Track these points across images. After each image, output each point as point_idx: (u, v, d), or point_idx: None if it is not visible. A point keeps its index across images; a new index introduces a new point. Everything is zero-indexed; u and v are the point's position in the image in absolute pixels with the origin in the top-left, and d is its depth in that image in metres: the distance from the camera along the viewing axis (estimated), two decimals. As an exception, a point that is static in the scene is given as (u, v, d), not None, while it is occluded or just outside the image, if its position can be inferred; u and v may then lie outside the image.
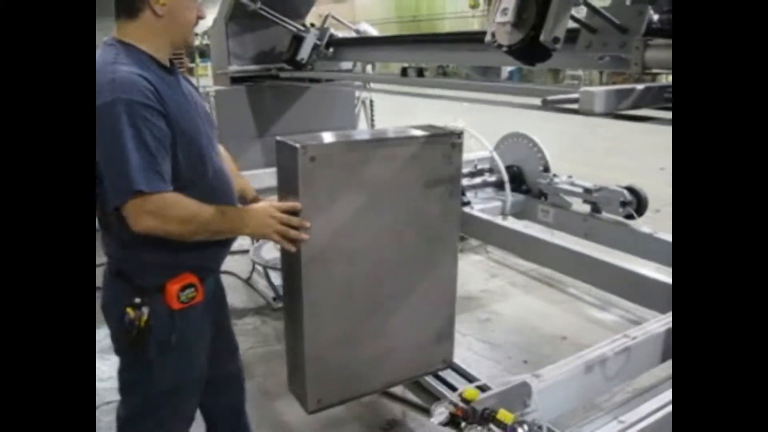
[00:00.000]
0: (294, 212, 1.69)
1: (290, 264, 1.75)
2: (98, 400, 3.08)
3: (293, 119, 4.05)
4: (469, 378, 3.02)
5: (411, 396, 3.00)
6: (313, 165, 1.61)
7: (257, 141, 3.97)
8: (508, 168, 3.35)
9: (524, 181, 3.52)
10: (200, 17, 1.77)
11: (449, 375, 3.02)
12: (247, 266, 4.52)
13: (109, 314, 1.82)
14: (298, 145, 1.59)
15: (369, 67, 4.15)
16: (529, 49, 1.58)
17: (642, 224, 3.10)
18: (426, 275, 1.92)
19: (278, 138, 1.69)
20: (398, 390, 3.00)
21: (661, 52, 1.38)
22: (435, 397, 2.95)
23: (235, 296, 4.31)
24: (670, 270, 2.28)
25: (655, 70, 1.40)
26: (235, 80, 3.80)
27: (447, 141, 1.82)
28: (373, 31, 3.93)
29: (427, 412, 2.87)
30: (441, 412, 1.34)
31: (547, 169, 3.49)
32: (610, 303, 4.04)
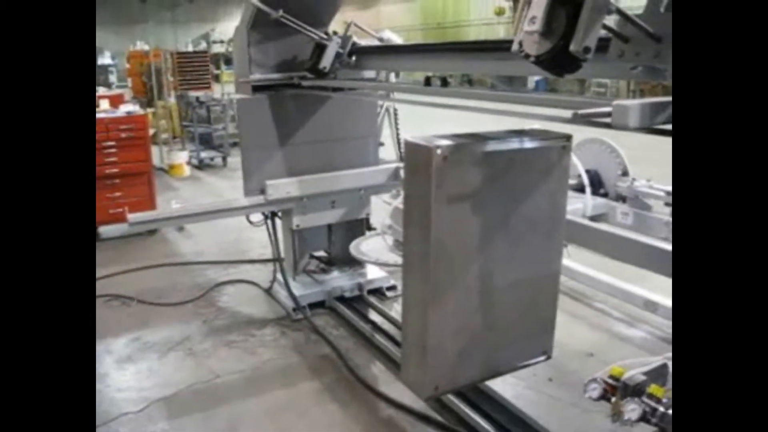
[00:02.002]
0: None
1: (416, 257, 1.87)
2: (116, 411, 3.06)
3: (315, 128, 4.00)
4: (492, 398, 2.95)
5: (433, 414, 2.94)
6: (445, 164, 1.73)
7: (279, 150, 3.93)
8: (587, 172, 3.35)
9: (602, 185, 3.57)
10: None
11: (471, 393, 2.96)
12: (268, 275, 4.49)
13: None
14: (432, 145, 1.71)
15: (392, 76, 4.11)
16: (558, 60, 1.50)
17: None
18: (533, 269, 2.07)
19: (408, 138, 1.82)
20: (421, 407, 2.94)
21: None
22: (458, 416, 2.89)
23: (255, 306, 4.28)
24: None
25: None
26: (257, 89, 3.76)
27: (558, 144, 1.96)
28: (397, 39, 3.87)
29: (448, 430, 2.81)
30: (594, 388, 1.46)
31: (626, 173, 3.51)
32: (637, 319, 3.93)
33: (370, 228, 4.38)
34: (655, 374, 1.46)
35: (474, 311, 2.00)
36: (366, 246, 3.19)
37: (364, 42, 3.55)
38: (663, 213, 3.13)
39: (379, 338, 3.62)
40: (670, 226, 2.97)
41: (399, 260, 2.60)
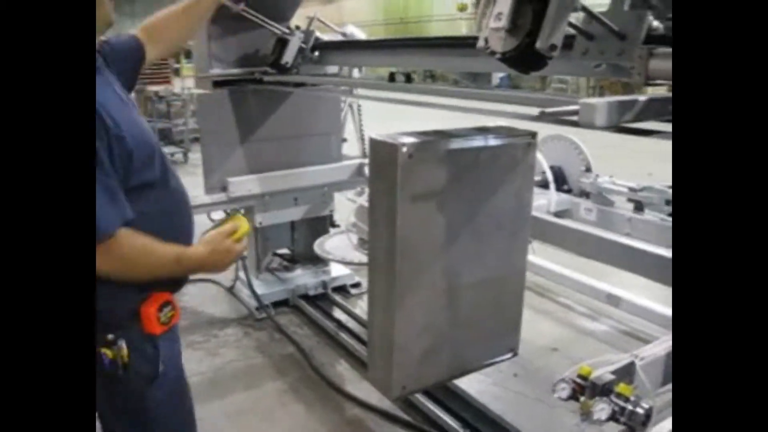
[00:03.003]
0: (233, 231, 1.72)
1: (382, 256, 1.84)
2: None
3: (278, 124, 3.93)
4: (459, 395, 2.95)
5: (399, 413, 2.92)
6: (410, 162, 1.69)
7: (241, 146, 3.85)
8: (551, 168, 3.36)
9: (566, 181, 3.59)
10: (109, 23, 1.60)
11: (437, 390, 2.95)
12: (230, 274, 4.41)
13: None
14: (397, 143, 1.67)
15: (356, 71, 4.06)
16: (524, 57, 1.48)
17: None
18: (499, 267, 2.05)
19: (372, 136, 1.77)
20: (388, 406, 2.91)
21: (665, 62, 1.29)
22: (425, 414, 2.88)
23: (217, 306, 4.20)
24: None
25: (658, 81, 1.31)
26: (218, 84, 3.67)
27: (523, 141, 1.93)
28: (360, 34, 3.82)
29: (417, 430, 2.80)
30: (563, 388, 1.43)
31: (589, 169, 3.53)
32: (600, 313, 3.98)
33: (333, 225, 4.34)
34: (623, 372, 1.46)
35: (440, 310, 1.97)
36: (330, 244, 3.15)
37: (327, 37, 3.49)
38: (625, 209, 3.16)
39: (344, 336, 3.59)
40: (632, 222, 3.01)
41: (364, 259, 2.57)
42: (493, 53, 1.54)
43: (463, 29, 22.96)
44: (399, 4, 27.10)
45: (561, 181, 3.47)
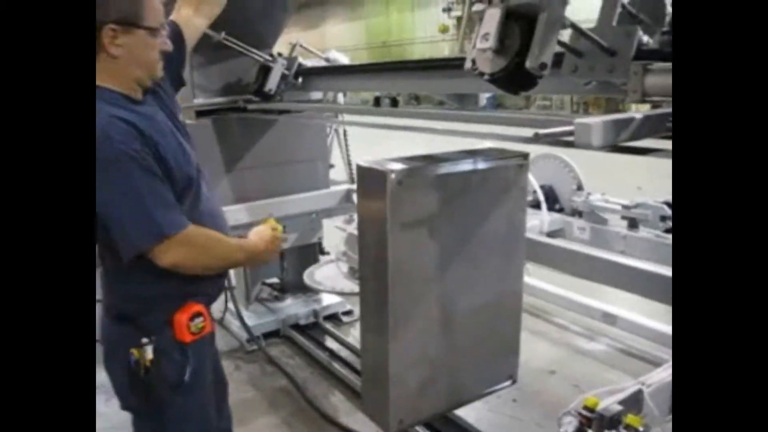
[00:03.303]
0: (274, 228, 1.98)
1: (374, 285, 1.80)
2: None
3: (263, 152, 3.87)
4: (457, 423, 2.87)
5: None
6: (400, 188, 1.66)
7: (226, 176, 3.78)
8: (541, 188, 3.32)
9: (558, 200, 3.54)
10: (165, 51, 1.74)
11: (435, 420, 2.87)
12: (219, 305, 4.32)
13: (113, 364, 1.76)
14: (386, 169, 1.64)
15: (340, 96, 4.03)
16: (514, 77, 1.44)
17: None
18: (495, 291, 2.01)
19: (360, 163, 1.74)
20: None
21: (661, 78, 1.25)
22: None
23: (207, 339, 4.10)
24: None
25: (655, 98, 1.27)
26: (201, 113, 3.62)
27: (515, 163, 1.91)
28: (344, 59, 3.79)
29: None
30: (569, 422, 1.36)
31: (580, 188, 3.49)
32: (597, 332, 3.92)
33: (323, 252, 4.27)
34: (631, 401, 1.39)
35: (436, 339, 1.92)
36: (320, 274, 3.09)
37: (310, 63, 3.46)
38: (619, 226, 3.12)
39: (337, 366, 3.50)
40: (627, 240, 2.96)
41: (355, 288, 2.50)
42: (481, 74, 1.50)
43: (445, 51, 23.17)
44: (381, 28, 27.34)
45: (552, 200, 3.44)
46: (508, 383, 2.18)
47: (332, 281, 2.95)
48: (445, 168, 1.80)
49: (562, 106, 17.46)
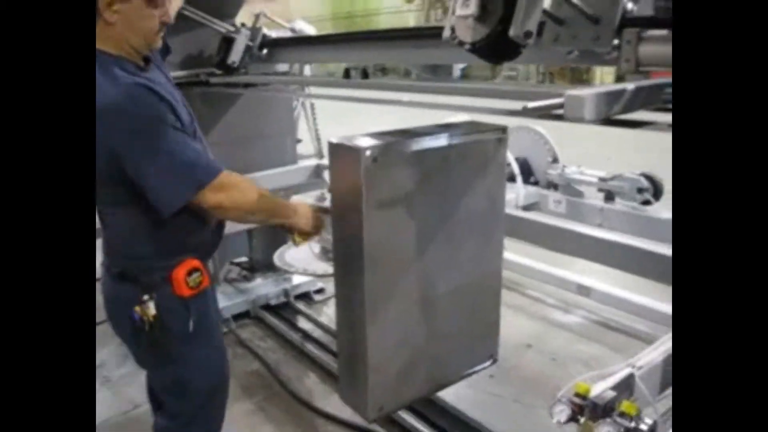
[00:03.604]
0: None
1: (350, 267, 1.70)
2: None
3: (228, 128, 3.73)
4: (436, 403, 2.82)
5: (377, 428, 2.78)
6: (375, 166, 1.56)
7: (190, 153, 3.63)
8: (516, 160, 3.25)
9: (533, 173, 3.49)
10: (164, 22, 1.76)
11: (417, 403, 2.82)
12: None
13: (119, 321, 1.84)
14: (360, 146, 1.54)
15: (307, 69, 3.88)
16: (497, 46, 1.35)
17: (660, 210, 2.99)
18: (474, 271, 1.94)
19: (332, 140, 1.65)
20: (362, 421, 2.76)
21: (656, 46, 1.17)
22: (401, 426, 2.75)
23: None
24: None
25: (650, 68, 1.19)
26: (161, 88, 3.46)
27: (493, 137, 1.82)
28: (310, 30, 3.64)
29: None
30: (561, 410, 1.30)
31: (556, 160, 3.43)
32: (572, 304, 3.91)
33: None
34: (623, 386, 1.35)
35: (415, 322, 1.84)
36: (291, 255, 2.97)
37: (275, 34, 3.31)
38: (596, 199, 3.08)
39: (311, 347, 3.43)
40: (604, 212, 2.92)
41: (329, 269, 2.41)
42: (461, 43, 1.40)
43: (410, 21, 22.91)
44: (346, -2, 26.88)
45: (527, 173, 3.38)
46: (488, 363, 2.14)
47: (304, 263, 2.84)
48: (422, 143, 1.70)
49: (528, 77, 17.42)
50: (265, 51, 3.16)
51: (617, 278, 3.60)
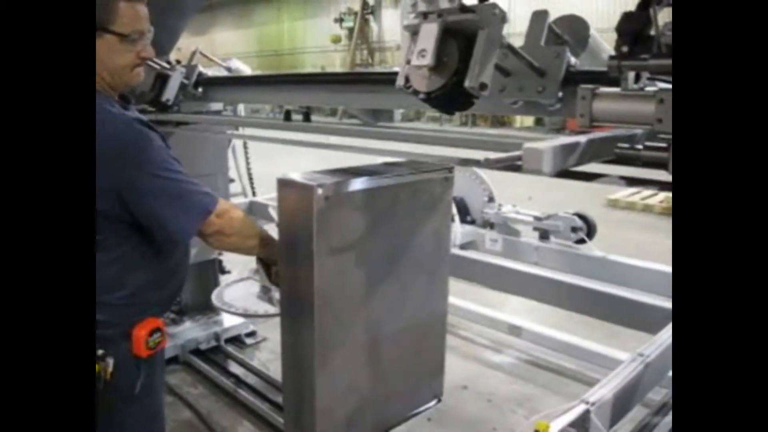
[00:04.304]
0: None
1: (299, 313, 1.66)
2: None
3: (158, 166, 3.62)
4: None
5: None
6: (327, 204, 1.54)
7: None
8: (453, 200, 3.28)
9: (469, 212, 3.53)
10: (143, 58, 1.73)
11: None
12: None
13: None
14: (312, 184, 1.50)
15: (241, 108, 3.85)
16: (451, 97, 1.38)
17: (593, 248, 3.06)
18: (421, 312, 1.94)
19: (281, 176, 1.63)
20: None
21: (609, 103, 1.23)
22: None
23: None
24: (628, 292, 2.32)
25: (603, 123, 1.25)
26: (89, 124, 3.33)
27: (441, 176, 1.84)
28: (246, 69, 3.63)
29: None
30: None
31: (492, 200, 3.49)
32: (502, 344, 3.97)
33: (223, 271, 4.07)
34: (579, 423, 1.37)
35: (363, 366, 1.83)
36: (229, 295, 2.90)
37: (211, 72, 3.27)
38: (531, 237, 3.17)
39: (244, 393, 3.31)
40: (539, 251, 3.00)
41: (270, 309, 2.36)
42: (416, 93, 1.43)
43: (337, 61, 23.22)
44: (273, 36, 27.02)
45: (464, 212, 3.44)
46: (433, 402, 2.14)
47: (244, 302, 2.77)
48: (374, 182, 1.70)
49: (450, 118, 17.89)
50: (200, 89, 3.11)
51: (547, 318, 3.70)
